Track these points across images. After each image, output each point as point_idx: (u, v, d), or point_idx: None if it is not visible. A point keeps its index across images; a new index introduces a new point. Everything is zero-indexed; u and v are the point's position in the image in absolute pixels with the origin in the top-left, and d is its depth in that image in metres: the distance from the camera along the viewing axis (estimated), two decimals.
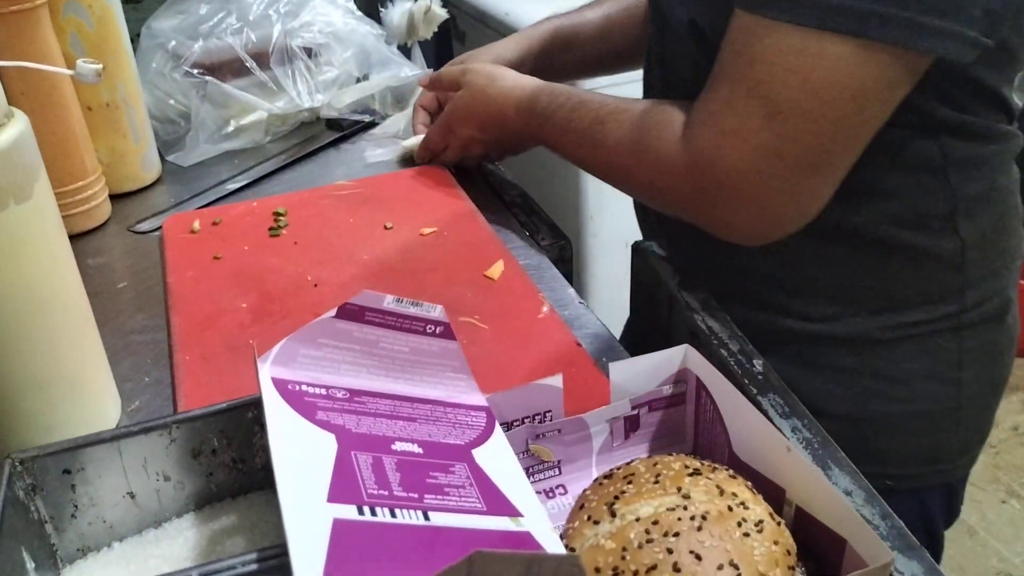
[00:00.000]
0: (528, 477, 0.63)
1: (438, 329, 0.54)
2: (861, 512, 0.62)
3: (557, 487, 0.63)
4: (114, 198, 1.03)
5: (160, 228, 0.97)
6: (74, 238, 0.96)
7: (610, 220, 1.51)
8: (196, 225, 0.95)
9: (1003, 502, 1.63)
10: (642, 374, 0.63)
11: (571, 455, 0.63)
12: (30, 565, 0.46)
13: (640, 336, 0.97)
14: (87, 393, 0.66)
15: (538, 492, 0.63)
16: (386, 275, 0.86)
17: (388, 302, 0.52)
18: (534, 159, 1.01)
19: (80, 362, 0.65)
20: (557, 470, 0.63)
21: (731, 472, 0.53)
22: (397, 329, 0.53)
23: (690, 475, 0.51)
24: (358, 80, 1.22)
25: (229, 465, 0.53)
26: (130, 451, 0.51)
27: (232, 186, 1.06)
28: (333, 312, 0.52)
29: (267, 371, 0.51)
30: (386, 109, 1.22)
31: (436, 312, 0.54)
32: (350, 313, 0.52)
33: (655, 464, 0.53)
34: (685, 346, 0.63)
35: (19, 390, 0.62)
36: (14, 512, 0.46)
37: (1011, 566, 1.49)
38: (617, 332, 1.01)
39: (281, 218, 0.95)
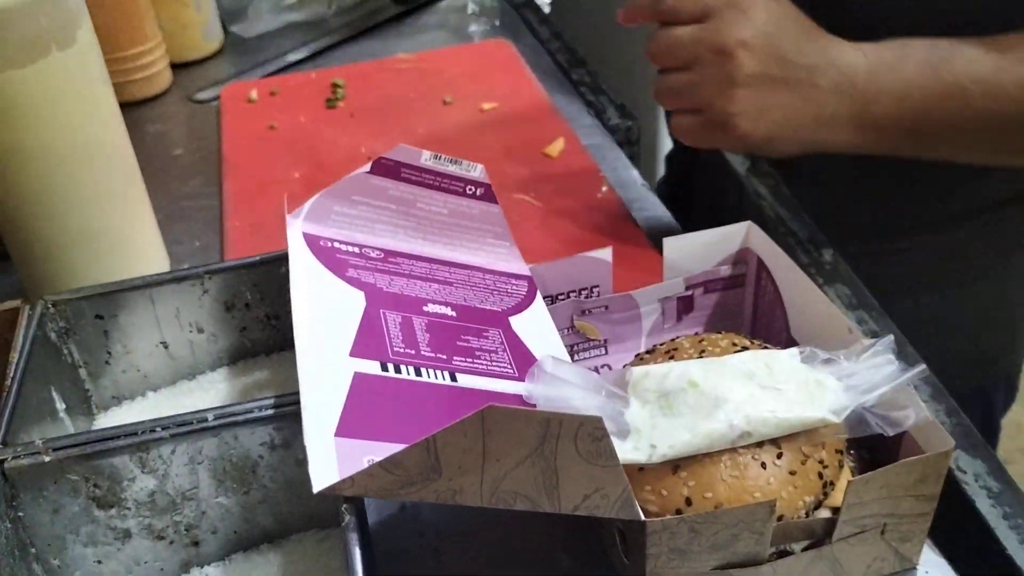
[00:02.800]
0: (572, 355, 0.60)
1: (479, 190, 0.51)
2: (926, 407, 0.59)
3: (602, 367, 0.61)
4: (176, 67, 1.02)
5: (219, 97, 0.95)
6: (134, 105, 0.95)
7: None
8: (254, 95, 0.93)
9: None
10: (699, 252, 0.59)
11: (619, 334, 0.60)
12: (60, 406, 0.46)
13: (706, 226, 0.92)
14: (133, 249, 0.66)
15: None
16: (441, 149, 0.81)
17: (425, 158, 0.49)
18: (611, 35, 0.95)
19: (126, 216, 0.65)
20: (603, 349, 0.60)
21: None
22: (435, 188, 0.51)
23: (737, 352, 0.48)
24: None
25: (263, 320, 0.52)
26: (162, 300, 0.50)
27: (293, 58, 1.04)
28: (367, 167, 0.49)
29: (298, 226, 0.49)
30: None
31: (476, 172, 0.51)
32: (385, 169, 0.49)
33: (701, 341, 0.50)
34: (747, 223, 0.59)
35: (64, 242, 0.62)
36: (44, 353, 0.46)
37: None
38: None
39: (339, 89, 0.92)
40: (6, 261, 0.66)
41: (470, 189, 0.51)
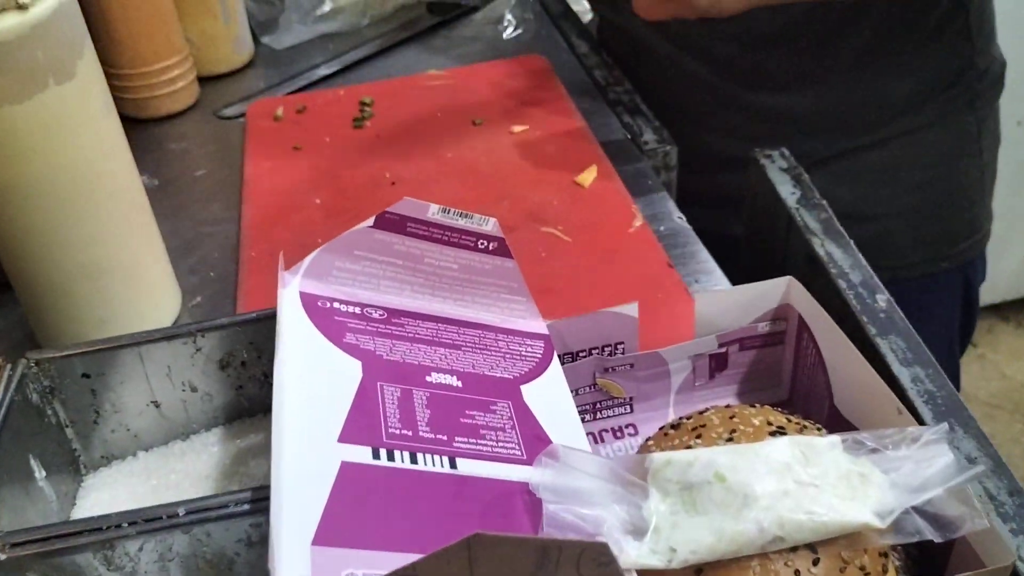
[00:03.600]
0: (595, 414, 0.56)
1: (491, 245, 0.47)
2: (984, 484, 0.53)
3: (627, 426, 0.57)
4: (204, 81, 0.99)
5: (244, 114, 0.93)
6: (158, 121, 0.93)
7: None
8: (280, 112, 0.90)
9: None
10: (734, 308, 0.55)
11: (645, 392, 0.56)
12: (39, 474, 0.43)
13: (751, 262, 0.88)
14: (142, 285, 0.63)
15: (604, 430, 0.56)
16: (468, 175, 0.79)
17: (433, 212, 0.46)
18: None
19: (133, 252, 0.62)
20: (628, 407, 0.56)
21: (822, 432, 0.44)
22: (444, 243, 0.47)
23: (771, 434, 0.43)
24: None
25: (260, 379, 0.49)
26: (153, 357, 0.47)
27: (324, 71, 1.01)
28: (371, 221, 0.45)
29: (295, 285, 0.45)
30: None
31: (489, 226, 0.47)
32: (390, 223, 0.46)
33: (732, 417, 0.45)
34: (788, 278, 0.54)
35: (69, 280, 0.59)
36: (23, 416, 0.43)
37: None
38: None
39: (367, 108, 0.89)
40: (11, 292, 0.64)
41: (482, 243, 0.47)
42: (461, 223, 0.46)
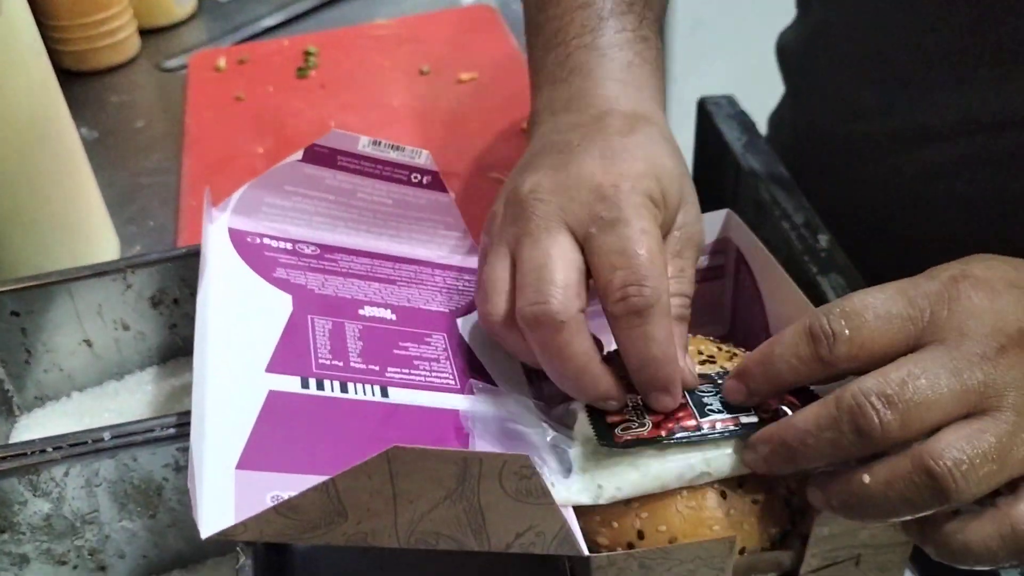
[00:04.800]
0: None
1: (425, 179, 0.47)
2: None
3: None
4: (146, 34, 0.97)
5: (187, 66, 0.91)
6: (99, 74, 0.91)
7: (695, 78, 1.37)
8: (222, 63, 0.88)
9: None
10: None
11: (591, 327, 0.56)
12: None
13: (702, 209, 0.88)
14: (79, 234, 0.62)
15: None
16: (415, 123, 0.78)
17: (364, 144, 0.45)
18: None
19: (69, 200, 0.61)
20: None
21: None
22: (377, 177, 0.46)
23: (702, 363, 0.43)
24: None
25: (193, 317, 0.48)
26: (83, 296, 0.46)
27: (269, 22, 0.99)
28: (299, 155, 0.45)
29: (224, 221, 0.45)
30: None
31: (422, 158, 0.46)
32: (320, 157, 0.45)
33: None
34: (726, 211, 0.55)
35: (4, 229, 0.58)
36: None
37: None
38: None
39: (311, 58, 0.87)
40: None
41: (415, 177, 0.47)
42: (393, 156, 0.46)
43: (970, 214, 0.60)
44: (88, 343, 0.48)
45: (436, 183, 0.47)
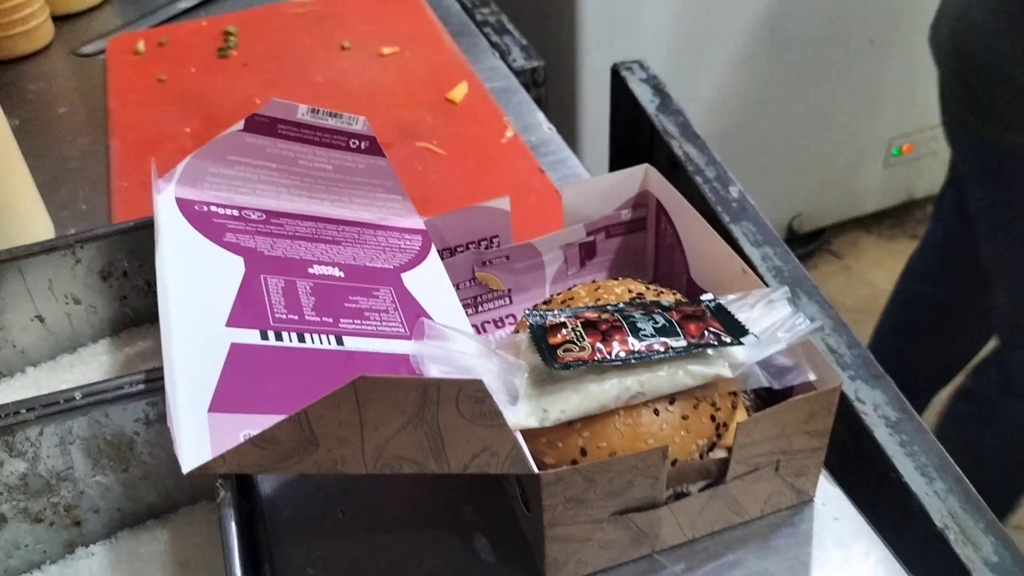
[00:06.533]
0: (476, 307, 0.59)
1: (363, 144, 0.49)
2: (827, 341, 0.59)
3: (507, 317, 0.60)
4: (59, 20, 0.96)
5: (104, 51, 0.90)
6: (14, 62, 0.90)
7: (606, 44, 1.41)
8: (141, 46, 0.88)
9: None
10: (598, 197, 0.58)
11: (522, 283, 0.59)
12: None
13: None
14: (12, 220, 0.62)
15: (487, 322, 0.60)
16: (340, 97, 0.80)
17: (303, 112, 0.47)
18: None
19: (1, 185, 0.61)
20: (508, 299, 0.60)
21: (679, 297, 0.49)
22: (316, 144, 0.48)
23: (631, 300, 0.47)
24: None
25: (143, 288, 0.50)
26: (32, 271, 0.47)
27: (185, 4, 0.99)
28: (240, 125, 0.47)
29: (171, 191, 0.46)
30: None
31: (359, 124, 0.49)
32: (260, 126, 0.47)
33: (597, 288, 0.49)
34: (645, 165, 0.58)
35: None
36: None
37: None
38: (603, 165, 0.96)
39: (231, 38, 0.88)
40: None
41: (354, 143, 0.49)
42: (331, 123, 0.48)
43: None
44: (40, 319, 0.49)
45: (374, 148, 0.50)
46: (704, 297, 0.47)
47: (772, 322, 0.45)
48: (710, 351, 0.43)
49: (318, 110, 0.47)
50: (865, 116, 1.67)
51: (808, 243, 1.85)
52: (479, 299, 0.59)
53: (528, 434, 0.41)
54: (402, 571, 0.44)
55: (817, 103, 1.60)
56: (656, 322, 0.43)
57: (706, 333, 0.43)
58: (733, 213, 0.71)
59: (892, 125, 1.71)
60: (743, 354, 0.43)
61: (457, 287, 0.55)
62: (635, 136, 0.86)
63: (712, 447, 0.44)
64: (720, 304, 0.46)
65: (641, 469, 0.41)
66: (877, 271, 1.88)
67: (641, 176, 0.58)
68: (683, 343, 0.42)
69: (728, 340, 0.42)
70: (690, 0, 1.37)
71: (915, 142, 1.76)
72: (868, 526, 0.46)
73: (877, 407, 0.54)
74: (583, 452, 0.42)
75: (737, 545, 0.45)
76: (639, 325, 0.43)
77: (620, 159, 0.92)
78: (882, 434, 0.52)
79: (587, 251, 0.60)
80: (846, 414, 0.54)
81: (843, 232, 1.93)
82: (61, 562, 0.40)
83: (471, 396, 0.34)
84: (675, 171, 0.79)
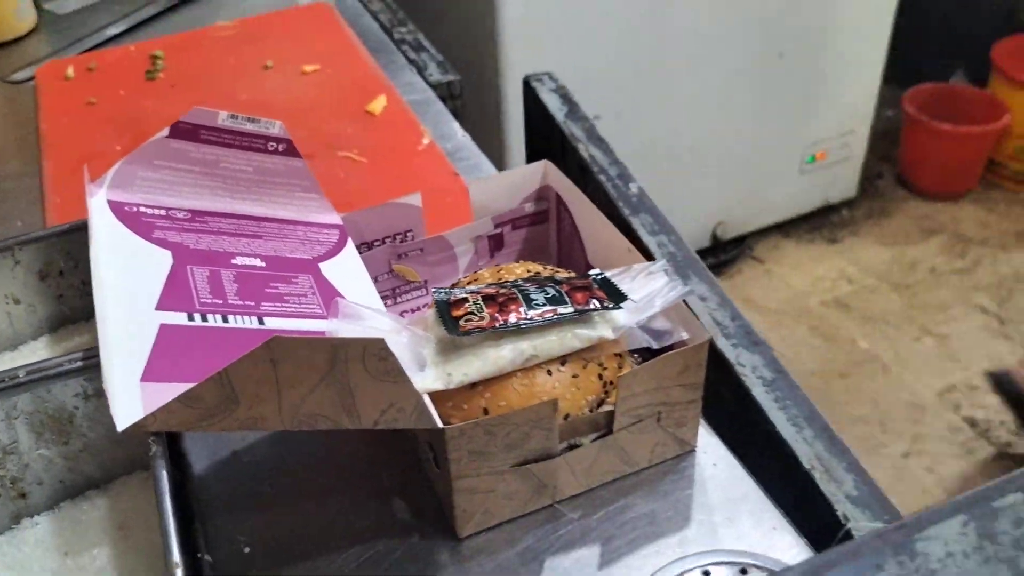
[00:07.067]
0: (394, 299, 0.64)
1: (280, 146, 0.54)
2: (714, 315, 0.66)
3: (424, 306, 0.65)
4: None
5: (34, 77, 0.93)
6: None
7: (523, 59, 1.47)
8: (70, 72, 0.92)
9: (916, 340, 1.75)
10: (503, 192, 0.64)
11: (437, 275, 0.64)
12: None
13: None
14: None
15: (404, 312, 0.64)
16: (264, 114, 0.83)
17: (223, 118, 0.52)
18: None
19: None
20: (424, 290, 0.65)
21: (571, 274, 0.54)
22: (236, 147, 0.53)
23: (529, 278, 0.53)
24: None
25: (79, 287, 0.54)
26: None
27: (113, 31, 1.02)
28: (166, 132, 0.51)
29: (103, 194, 0.51)
30: None
31: (276, 128, 0.53)
32: (184, 132, 0.51)
33: (500, 270, 0.54)
34: (544, 161, 0.64)
35: None
36: None
37: (921, 398, 1.62)
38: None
39: (158, 61, 0.92)
40: None
41: (271, 145, 0.54)
42: (249, 127, 0.53)
43: None
44: None
45: (290, 150, 0.55)
46: (592, 272, 0.52)
47: (650, 290, 0.50)
48: (595, 316, 0.48)
49: (237, 116, 0.52)
50: (779, 126, 1.76)
51: (731, 249, 1.93)
52: (397, 291, 0.64)
53: (436, 398, 0.46)
54: (329, 535, 0.49)
55: (734, 116, 1.68)
56: (548, 293, 0.49)
57: (591, 301, 0.48)
58: (632, 206, 0.77)
59: (805, 134, 1.81)
60: (623, 317, 0.49)
61: (375, 279, 0.60)
62: (548, 141, 0.92)
63: (601, 403, 0.49)
64: (605, 277, 0.51)
65: (535, 421, 0.46)
66: (796, 274, 1.97)
67: (541, 171, 0.64)
68: (570, 309, 0.48)
69: (610, 305, 0.48)
70: (607, 16, 1.44)
71: (827, 149, 1.86)
72: (744, 470, 0.52)
73: (755, 369, 0.60)
74: (485, 412, 0.47)
75: (629, 492, 0.51)
76: (532, 296, 0.48)
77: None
78: (759, 392, 0.58)
79: (495, 242, 0.65)
80: (729, 377, 0.60)
81: (764, 238, 2.01)
82: (8, 532, 0.44)
83: (375, 354, 0.39)
84: (584, 172, 0.85)
